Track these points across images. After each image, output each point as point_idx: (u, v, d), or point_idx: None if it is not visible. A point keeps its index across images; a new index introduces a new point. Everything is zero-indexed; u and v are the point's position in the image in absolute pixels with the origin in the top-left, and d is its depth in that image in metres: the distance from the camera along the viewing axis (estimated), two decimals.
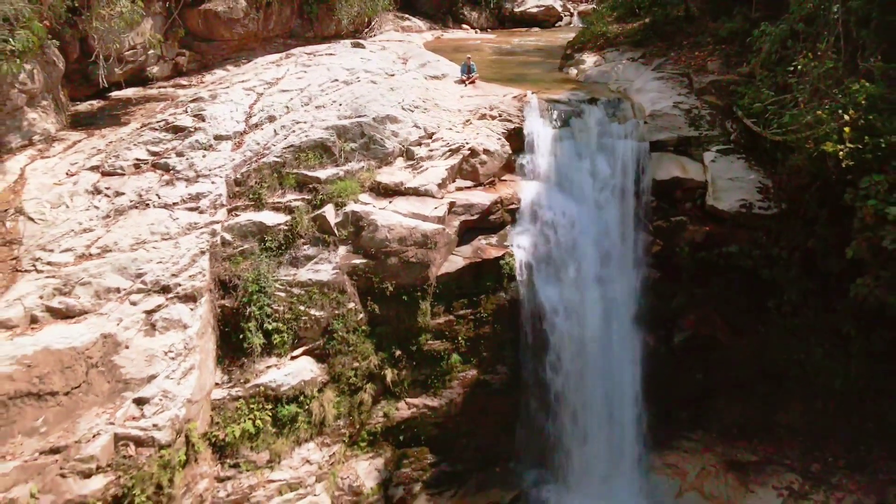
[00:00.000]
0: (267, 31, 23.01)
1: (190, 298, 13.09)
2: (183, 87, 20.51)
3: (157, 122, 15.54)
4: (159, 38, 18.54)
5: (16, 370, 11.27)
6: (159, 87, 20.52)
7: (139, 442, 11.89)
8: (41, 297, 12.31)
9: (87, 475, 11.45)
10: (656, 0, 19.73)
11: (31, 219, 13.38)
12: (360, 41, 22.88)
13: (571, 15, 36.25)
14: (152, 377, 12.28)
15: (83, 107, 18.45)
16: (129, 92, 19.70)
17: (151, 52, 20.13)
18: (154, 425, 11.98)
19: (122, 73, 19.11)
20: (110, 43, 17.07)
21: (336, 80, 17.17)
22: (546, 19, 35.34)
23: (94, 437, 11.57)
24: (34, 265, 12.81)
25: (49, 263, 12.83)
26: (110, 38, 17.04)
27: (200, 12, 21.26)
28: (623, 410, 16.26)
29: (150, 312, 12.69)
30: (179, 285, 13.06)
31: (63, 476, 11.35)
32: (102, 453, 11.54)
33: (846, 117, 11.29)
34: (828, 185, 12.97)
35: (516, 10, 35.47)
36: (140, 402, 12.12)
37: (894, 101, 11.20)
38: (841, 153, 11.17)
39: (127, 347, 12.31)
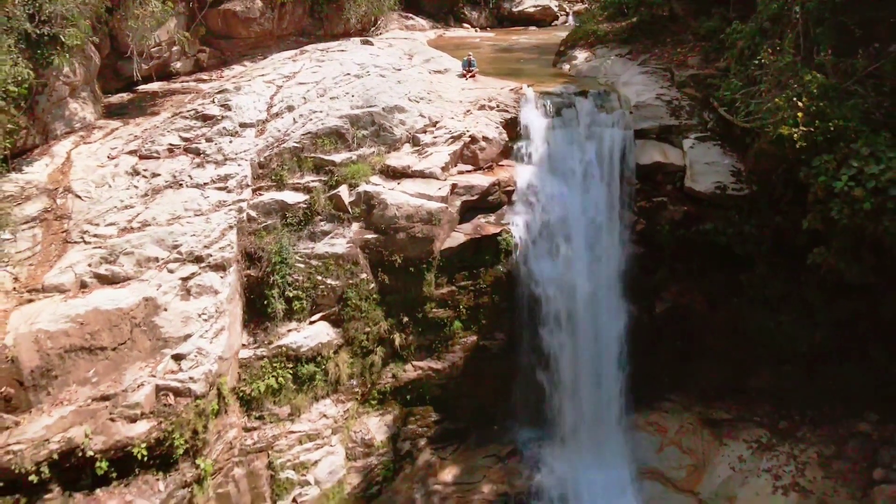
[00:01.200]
0: (281, 29, 24.39)
1: (220, 267, 14.51)
2: (204, 81, 21.88)
3: (188, 111, 16.97)
4: (187, 35, 19.94)
5: (70, 327, 12.71)
6: (182, 82, 21.89)
7: (177, 392, 13.31)
8: (89, 265, 13.74)
9: (132, 420, 12.89)
10: (643, 1, 21.05)
11: (78, 196, 14.82)
12: (369, 39, 24.28)
13: (567, 14, 37.37)
14: (188, 336, 13.72)
15: (114, 98, 19.84)
16: (154, 86, 21.09)
17: (175, 48, 21.54)
18: (190, 378, 13.41)
19: (148, 69, 20.58)
20: (141, 40, 18.49)
21: (348, 73, 18.54)
22: (543, 18, 36.54)
23: (138, 387, 13.02)
24: (83, 237, 14.25)
25: (95, 236, 14.27)
26: (140, 36, 18.47)
27: (220, 12, 22.66)
28: (610, 374, 17.61)
29: (185, 279, 14.12)
30: (211, 256, 14.48)
31: (112, 420, 12.80)
32: (146, 401, 12.98)
33: (800, 105, 12.69)
34: (791, 168, 14.33)
35: (514, 9, 36.69)
36: (178, 357, 13.57)
37: (842, 90, 12.63)
38: (795, 136, 12.57)
39: (165, 310, 13.73)
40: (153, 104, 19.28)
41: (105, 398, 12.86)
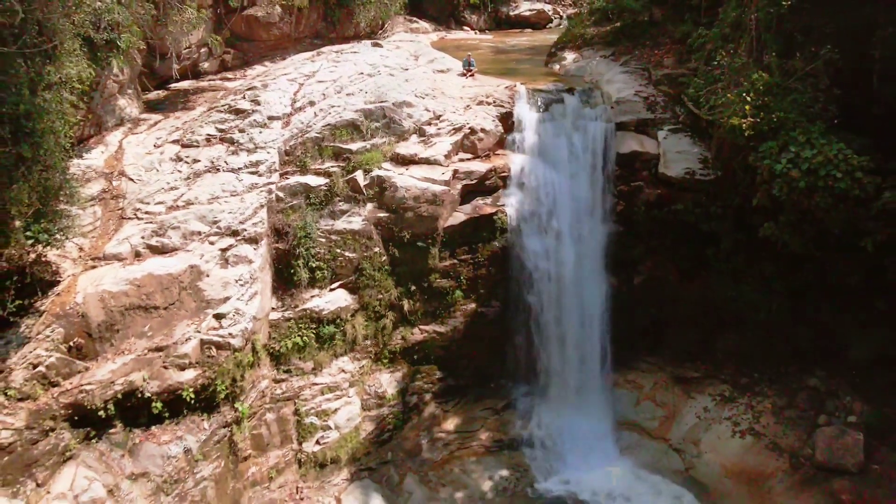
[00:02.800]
0: (297, 32, 26.39)
1: (253, 240, 16.52)
2: (229, 79, 23.91)
3: (222, 105, 18.99)
4: (218, 38, 21.97)
5: (129, 289, 14.75)
6: (209, 80, 23.91)
7: (219, 346, 15.32)
8: (142, 238, 15.77)
9: (182, 368, 14.91)
10: (625, 8, 23.04)
11: (130, 179, 16.86)
12: (379, 41, 26.27)
13: (561, 18, 39.02)
14: (227, 298, 15.71)
15: (152, 95, 21.85)
16: (185, 84, 23.09)
17: (203, 49, 23.57)
18: (229, 334, 15.42)
19: (180, 68, 22.55)
20: (176, 43, 20.53)
21: (361, 72, 20.54)
22: (538, 22, 38.27)
23: (186, 340, 15.04)
24: (136, 214, 16.30)
25: (147, 213, 16.31)
26: (176, 40, 20.51)
27: (243, 17, 24.67)
28: (593, 338, 19.54)
29: (224, 250, 16.12)
30: (245, 230, 16.48)
31: (165, 368, 14.84)
32: (193, 353, 15.00)
33: (748, 99, 14.69)
34: (746, 155, 16.29)
35: (511, 13, 38.47)
36: (218, 316, 15.57)
37: (784, 87, 14.64)
38: (744, 126, 14.56)
39: (208, 276, 15.73)
40: (187, 100, 21.31)
41: (159, 349, 14.91)
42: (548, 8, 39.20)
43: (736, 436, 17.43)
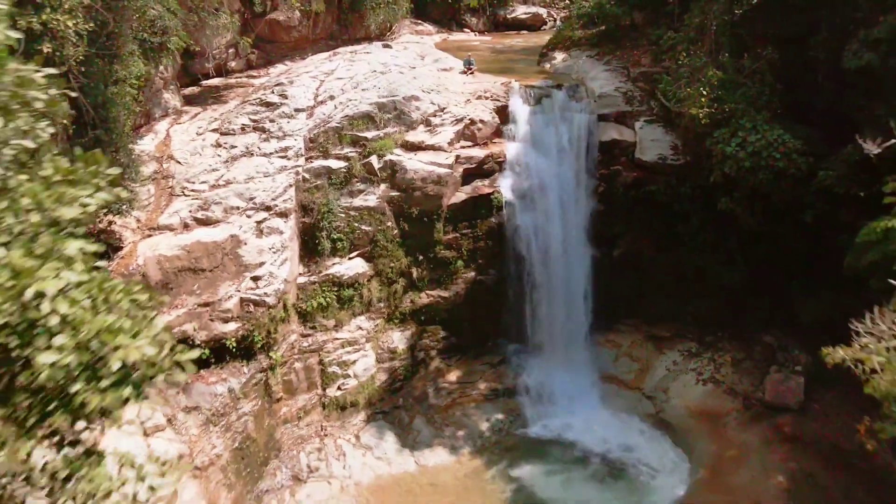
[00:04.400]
0: (314, 34, 28.75)
1: (283, 215, 18.90)
2: (254, 77, 26.27)
3: (254, 99, 21.40)
4: (248, 40, 24.40)
5: (181, 253, 17.19)
6: (237, 78, 26.25)
7: (256, 303, 17.71)
8: (190, 212, 18.19)
9: (225, 321, 17.29)
10: (609, 13, 25.39)
11: (178, 162, 19.30)
12: (389, 43, 28.64)
13: (554, 20, 41.09)
14: (262, 263, 18.08)
15: (187, 91, 24.21)
16: (215, 81, 25.43)
17: (231, 50, 25.99)
18: (265, 293, 17.80)
19: (211, 67, 25.00)
20: (210, 45, 22.96)
21: (374, 71, 22.90)
22: (533, 24, 40.19)
23: (228, 298, 17.40)
24: (183, 191, 18.73)
25: (192, 190, 18.73)
26: (210, 42, 22.94)
27: (266, 21, 27.03)
28: (577, 303, 21.88)
29: (259, 222, 18.49)
30: (276, 206, 18.86)
31: (211, 320, 17.23)
32: (234, 308, 17.38)
33: (704, 93, 17.16)
34: (706, 141, 18.68)
35: (508, 16, 40.51)
36: (255, 279, 17.95)
37: (735, 82, 17.06)
38: (701, 115, 17.04)
39: (245, 244, 18.11)
40: (220, 95, 23.71)
41: (206, 304, 17.31)
42: (542, 11, 41.22)
43: (699, 384, 19.90)
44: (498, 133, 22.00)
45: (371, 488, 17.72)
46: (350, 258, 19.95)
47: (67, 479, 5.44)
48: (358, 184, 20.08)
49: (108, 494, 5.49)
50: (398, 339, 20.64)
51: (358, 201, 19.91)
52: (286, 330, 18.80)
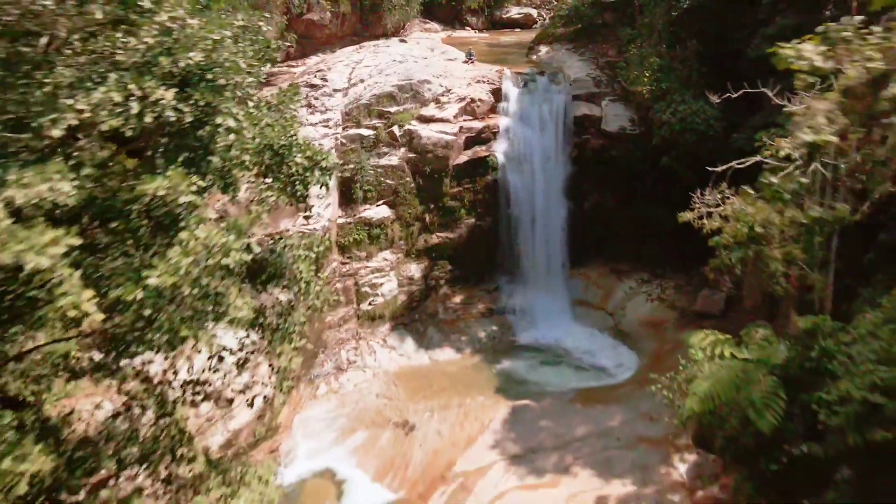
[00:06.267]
0: (342, 31, 33.85)
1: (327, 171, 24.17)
2: (293, 66, 31.40)
3: (301, 81, 26.66)
4: (294, 35, 29.58)
5: None
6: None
7: (307, 235, 22.98)
8: None
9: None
10: (583, 14, 30.66)
11: None
12: (405, 38, 33.86)
13: (544, 19, 46.26)
14: (311, 206, 23.23)
15: None
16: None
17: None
18: (314, 229, 22.98)
19: None
20: None
21: (394, 60, 28.12)
22: (525, 23, 44.99)
23: (287, 231, 22.75)
24: None
25: None
26: None
27: (303, 20, 32.11)
28: (556, 246, 27.02)
29: None
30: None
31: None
32: (294, 238, 22.67)
33: (647, 75, 22.43)
34: (650, 112, 23.92)
35: (504, 16, 45.46)
36: (307, 217, 23.01)
37: (670, 67, 22.33)
38: (645, 92, 22.31)
39: None
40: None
41: (271, 236, 22.62)
42: (533, 12, 46.21)
43: (649, 302, 25.21)
44: (493, 109, 27.13)
45: (396, 374, 23.03)
46: (377, 205, 25.16)
47: None
48: (383, 147, 25.27)
49: None
50: (415, 269, 25.88)
51: (384, 161, 25.12)
52: (330, 258, 24.05)
